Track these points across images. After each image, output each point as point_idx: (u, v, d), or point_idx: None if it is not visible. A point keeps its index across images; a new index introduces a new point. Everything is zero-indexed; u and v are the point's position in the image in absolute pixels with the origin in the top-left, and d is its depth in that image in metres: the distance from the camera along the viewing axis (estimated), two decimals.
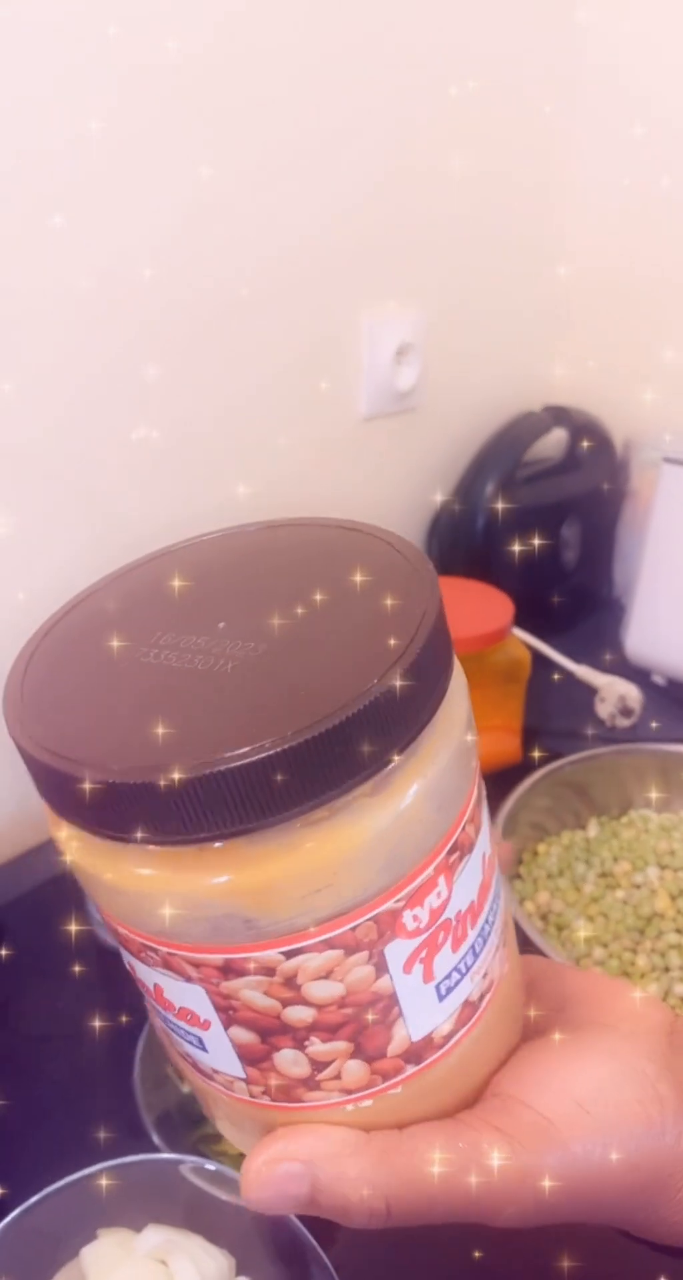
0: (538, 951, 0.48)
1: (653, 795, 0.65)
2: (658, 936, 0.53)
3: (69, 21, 0.54)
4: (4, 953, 0.58)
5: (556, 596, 0.87)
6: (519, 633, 0.78)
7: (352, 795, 0.21)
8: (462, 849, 0.24)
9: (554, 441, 0.92)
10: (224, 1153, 0.45)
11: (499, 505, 0.85)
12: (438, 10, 0.75)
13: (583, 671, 0.82)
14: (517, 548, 0.86)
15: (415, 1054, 0.24)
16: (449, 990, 0.24)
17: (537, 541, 0.86)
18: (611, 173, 0.91)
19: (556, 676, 0.83)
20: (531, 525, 0.86)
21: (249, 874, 0.21)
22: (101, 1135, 0.47)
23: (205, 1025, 0.24)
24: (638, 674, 0.82)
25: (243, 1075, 0.25)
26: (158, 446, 0.67)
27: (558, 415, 0.88)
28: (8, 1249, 0.40)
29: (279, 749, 0.20)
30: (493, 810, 0.58)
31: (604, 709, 0.80)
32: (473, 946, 0.25)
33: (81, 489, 0.64)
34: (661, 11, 0.85)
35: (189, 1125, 0.46)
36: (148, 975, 0.25)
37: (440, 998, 0.24)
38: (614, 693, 0.79)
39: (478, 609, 0.71)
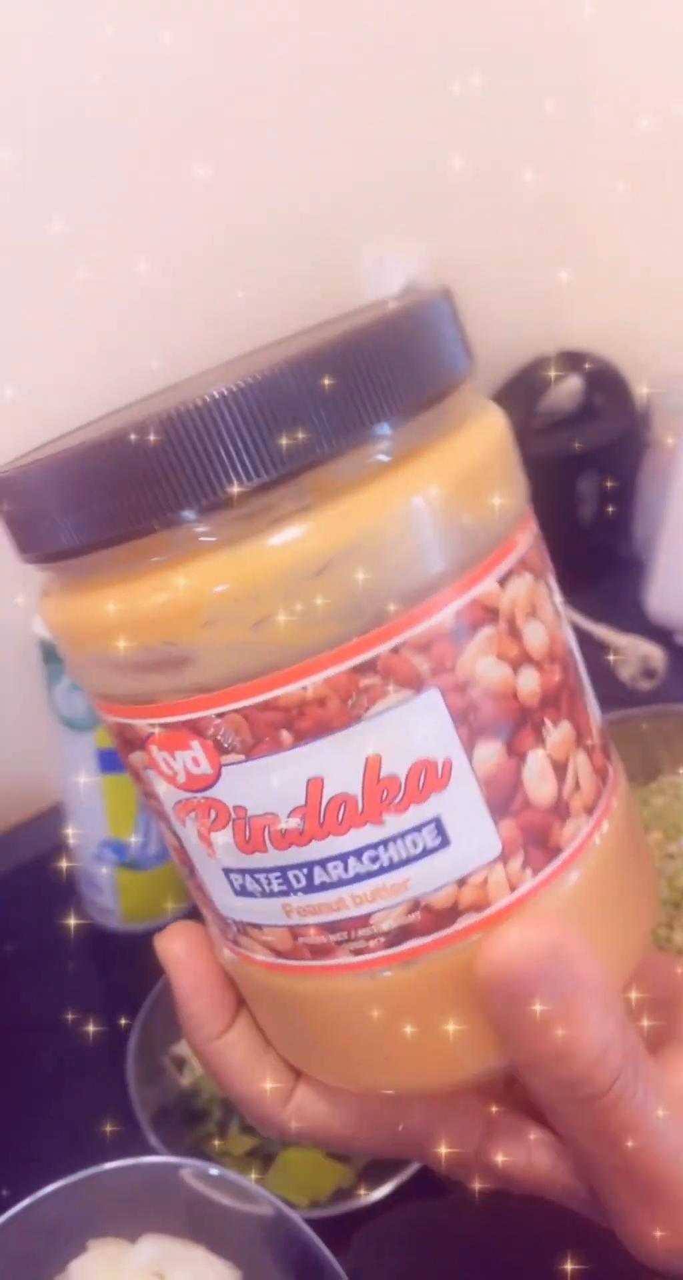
0: None
1: (680, 758, 0.61)
2: None
3: None
4: None
5: (572, 553, 0.82)
6: None
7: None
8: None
9: (569, 390, 0.87)
10: (227, 1153, 0.41)
11: None
12: None
13: (602, 632, 0.78)
14: (533, 502, 0.81)
15: (606, 748, 0.23)
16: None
17: (550, 493, 0.82)
18: (635, 92, 0.86)
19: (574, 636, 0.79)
20: (544, 479, 0.81)
21: (459, 460, 0.20)
22: (92, 1135, 0.43)
23: (444, 777, 0.19)
24: (660, 634, 0.78)
25: (497, 849, 0.19)
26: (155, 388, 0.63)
27: (573, 361, 0.83)
28: None
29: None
30: None
31: (626, 671, 0.76)
32: None
33: None
34: None
35: (189, 1122, 0.42)
36: (350, 766, 0.18)
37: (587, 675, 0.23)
38: (636, 654, 0.76)
39: None
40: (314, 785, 0.18)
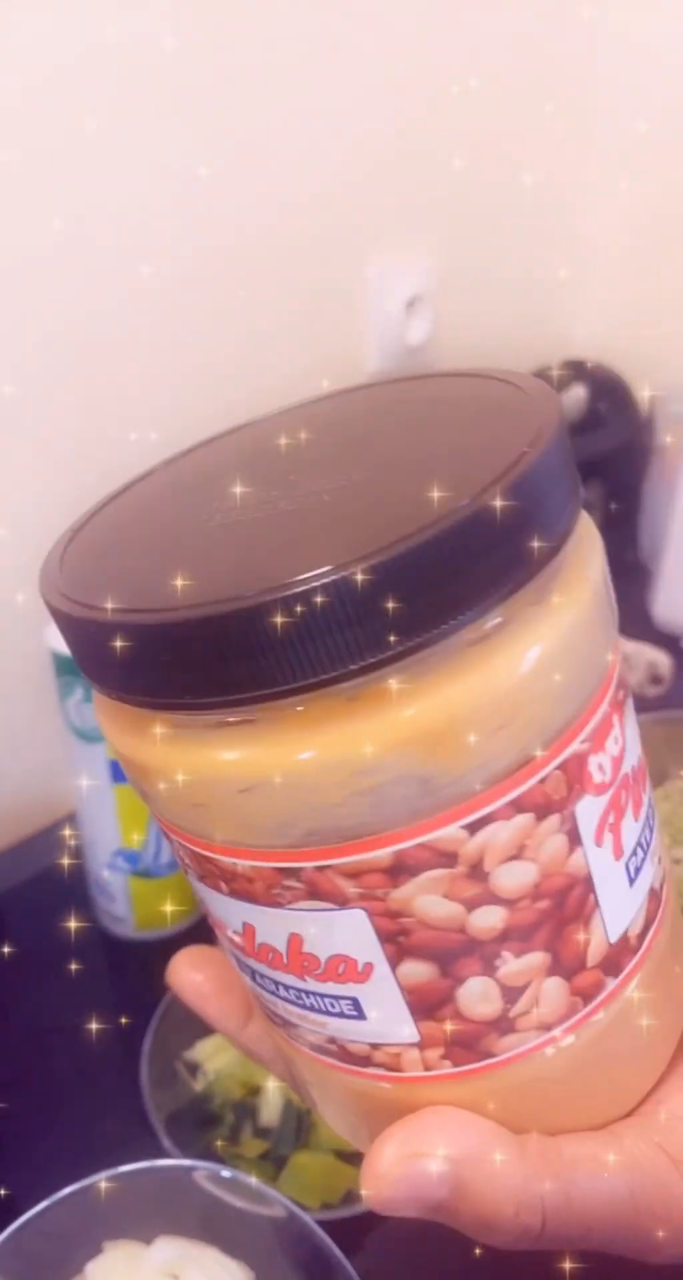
0: None
1: None
2: None
3: None
4: (4, 948, 0.55)
5: None
6: None
7: (520, 599, 0.17)
8: (624, 685, 0.20)
9: (573, 399, 0.88)
10: (241, 1156, 0.42)
11: None
12: None
13: None
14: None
15: (613, 961, 0.20)
16: (637, 871, 0.20)
17: None
18: (639, 104, 0.86)
19: None
20: None
21: (424, 707, 0.16)
22: (107, 1139, 0.43)
23: (364, 974, 0.19)
24: (667, 640, 0.78)
25: (415, 1038, 0.19)
26: (154, 405, 0.64)
27: (577, 370, 0.83)
28: (6, 1266, 0.37)
29: (446, 529, 0.16)
30: None
31: (633, 677, 0.76)
32: (648, 817, 0.21)
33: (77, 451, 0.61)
34: None
35: (202, 1126, 0.43)
36: (275, 931, 0.19)
37: (630, 880, 0.20)
38: (643, 660, 0.76)
39: None
40: (248, 928, 0.20)
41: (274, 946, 0.20)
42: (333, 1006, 0.20)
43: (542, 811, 0.18)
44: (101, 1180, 0.38)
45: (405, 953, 0.19)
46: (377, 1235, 0.41)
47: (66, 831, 0.58)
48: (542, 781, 0.18)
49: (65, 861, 0.59)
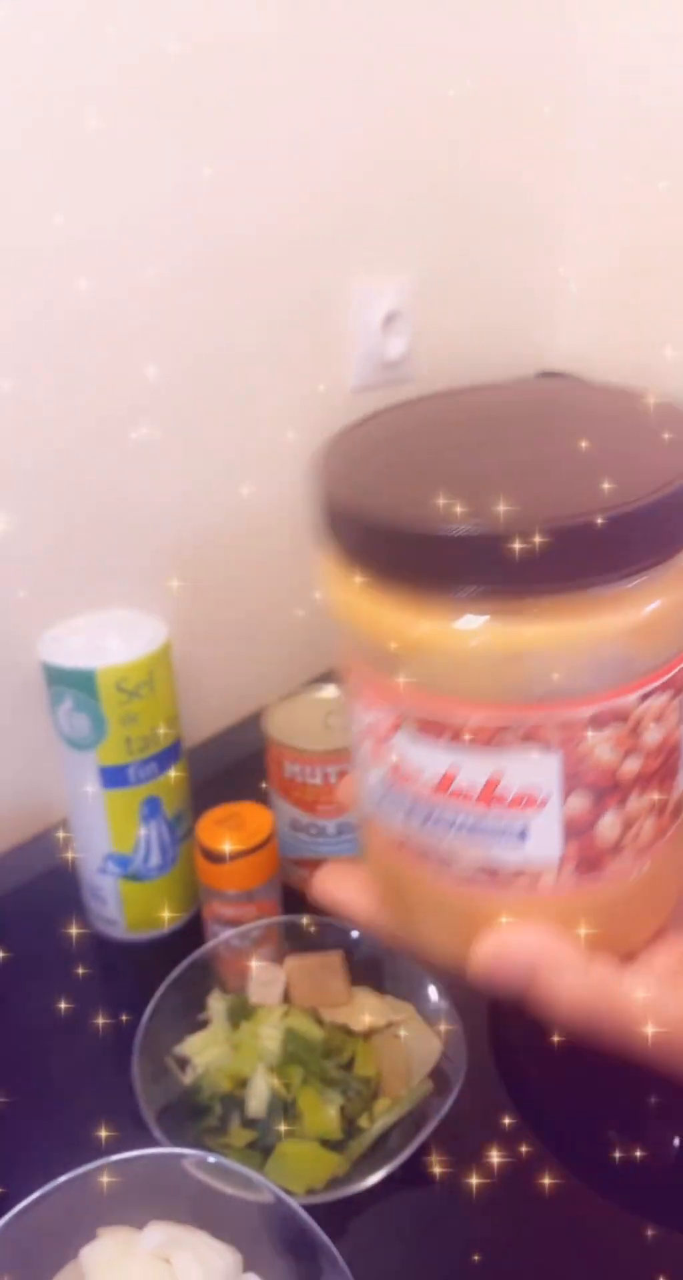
0: None
1: None
2: None
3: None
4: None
5: None
6: None
7: None
8: None
9: None
10: (229, 1146, 0.44)
11: None
12: None
13: None
14: None
15: (678, 806, 0.27)
16: None
17: None
18: (614, 125, 0.89)
19: None
20: None
21: (653, 607, 0.23)
22: (101, 1131, 0.45)
23: (542, 804, 0.25)
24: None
25: (558, 854, 0.25)
26: (148, 422, 0.65)
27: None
28: (5, 1250, 0.38)
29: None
30: None
31: None
32: None
33: (78, 471, 0.62)
34: None
35: (191, 1118, 0.45)
36: (478, 772, 0.25)
37: None
38: None
39: None
40: (449, 774, 0.25)
41: (470, 786, 0.25)
42: (503, 835, 0.25)
43: (677, 690, 0.25)
44: (96, 1169, 0.39)
45: (577, 786, 0.24)
46: (360, 1219, 0.43)
47: (59, 836, 0.60)
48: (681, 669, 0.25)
49: (59, 866, 0.60)
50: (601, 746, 0.24)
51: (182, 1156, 0.40)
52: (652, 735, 0.25)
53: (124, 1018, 0.49)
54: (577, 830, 0.25)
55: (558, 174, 0.92)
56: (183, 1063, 0.47)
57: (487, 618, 0.23)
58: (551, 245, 0.94)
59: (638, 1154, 0.45)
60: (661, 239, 0.88)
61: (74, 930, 0.58)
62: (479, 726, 0.24)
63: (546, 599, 0.23)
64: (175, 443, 0.68)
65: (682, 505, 0.23)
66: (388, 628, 0.25)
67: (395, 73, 0.74)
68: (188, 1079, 0.46)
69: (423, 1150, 0.44)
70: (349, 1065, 0.46)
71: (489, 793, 0.25)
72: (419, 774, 0.26)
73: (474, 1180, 0.44)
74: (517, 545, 0.22)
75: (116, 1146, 0.40)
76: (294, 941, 0.51)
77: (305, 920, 0.51)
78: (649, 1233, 0.42)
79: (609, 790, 0.25)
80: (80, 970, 0.55)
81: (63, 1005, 0.52)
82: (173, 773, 0.55)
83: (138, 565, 0.68)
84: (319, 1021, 0.47)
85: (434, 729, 0.25)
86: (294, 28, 0.66)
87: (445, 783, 0.25)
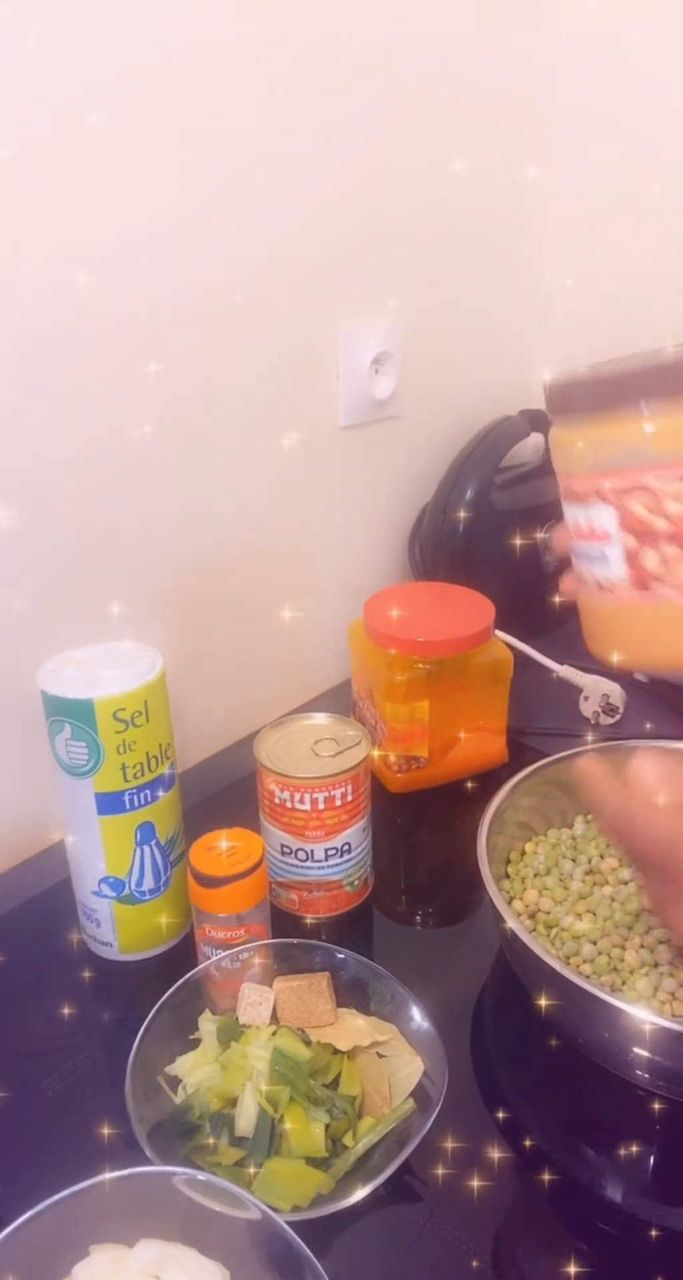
0: (530, 953, 0.48)
1: None
2: (647, 932, 0.53)
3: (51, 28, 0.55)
4: None
5: (538, 599, 0.87)
6: (502, 635, 0.79)
7: None
8: None
9: (533, 446, 0.93)
10: (218, 1164, 0.45)
11: (479, 510, 0.85)
12: (420, 34, 0.76)
13: (566, 671, 0.83)
14: (498, 551, 0.86)
15: None
16: None
17: (517, 545, 0.87)
18: (588, 179, 0.92)
19: (540, 677, 0.83)
20: (511, 529, 0.87)
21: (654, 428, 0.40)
22: (94, 1149, 0.46)
23: (608, 538, 0.41)
24: (620, 673, 0.82)
25: (624, 573, 0.41)
26: (144, 457, 0.67)
27: (534, 420, 0.88)
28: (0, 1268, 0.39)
29: None
30: (479, 810, 0.58)
31: (588, 707, 0.80)
32: None
33: (72, 498, 0.64)
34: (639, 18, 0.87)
35: (182, 1136, 0.46)
36: (583, 518, 0.43)
37: None
38: (598, 691, 0.80)
39: (460, 612, 0.72)
40: (575, 521, 0.44)
41: (580, 527, 0.43)
42: (597, 559, 0.42)
43: None
44: (88, 1187, 0.40)
45: (626, 532, 0.41)
46: (345, 1235, 0.44)
47: (56, 860, 0.61)
48: None
49: (55, 889, 0.62)
50: (636, 506, 0.40)
51: (172, 1175, 0.42)
52: (672, 507, 0.39)
53: (117, 1038, 0.50)
54: (631, 560, 0.41)
55: (540, 219, 0.95)
56: (174, 1082, 0.48)
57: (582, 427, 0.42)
58: (534, 286, 0.97)
59: (620, 1170, 0.47)
60: (639, 286, 0.91)
61: (69, 951, 0.59)
62: (578, 491, 0.43)
63: (589, 415, 0.41)
64: (171, 477, 0.70)
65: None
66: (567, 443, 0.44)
67: (384, 124, 0.77)
68: (178, 1098, 0.47)
69: (406, 1168, 0.45)
70: (334, 1085, 0.47)
71: (589, 531, 0.42)
72: (574, 526, 0.44)
73: (456, 1196, 0.46)
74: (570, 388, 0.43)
75: (109, 1164, 0.41)
76: (283, 963, 0.53)
77: (294, 943, 0.53)
78: (633, 1244, 0.44)
79: (648, 535, 0.40)
80: (75, 991, 0.56)
81: (57, 1024, 0.53)
82: (167, 798, 0.56)
83: (135, 596, 0.70)
84: (306, 1042, 0.48)
85: (570, 496, 0.44)
86: (288, 80, 0.69)
87: (577, 530, 0.44)
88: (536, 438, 0.90)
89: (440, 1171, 0.46)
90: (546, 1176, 0.47)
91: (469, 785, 0.73)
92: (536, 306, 0.98)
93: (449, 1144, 0.47)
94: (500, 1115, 0.50)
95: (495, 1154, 0.47)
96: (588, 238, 0.94)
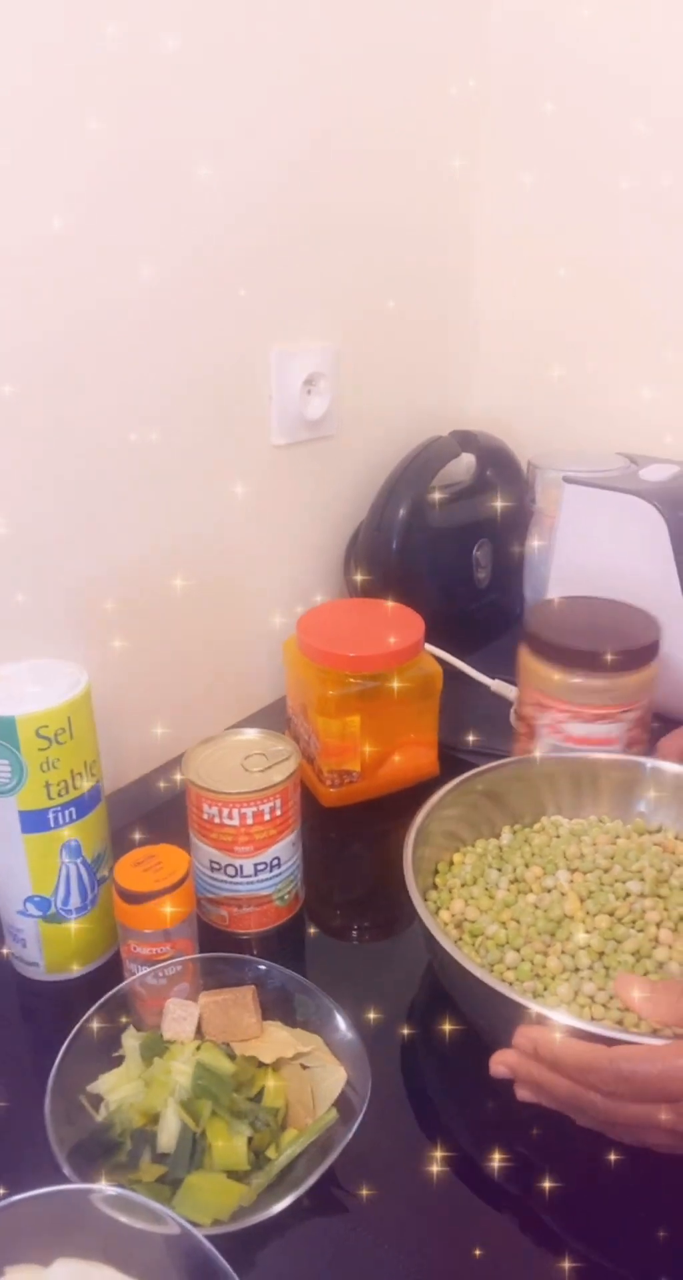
0: (453, 961, 0.49)
1: (564, 801, 0.66)
2: (568, 938, 0.54)
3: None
4: None
5: (470, 614, 0.89)
6: (434, 650, 0.80)
7: None
8: None
9: (465, 465, 0.95)
10: (139, 1181, 0.45)
11: (413, 528, 0.86)
12: (347, 62, 0.78)
13: (498, 685, 0.84)
14: (432, 568, 0.88)
15: None
16: None
17: (450, 561, 0.89)
18: (513, 207, 0.95)
19: (474, 691, 0.85)
20: (444, 546, 0.89)
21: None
22: (13, 1172, 0.46)
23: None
24: None
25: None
26: (74, 483, 0.68)
27: (465, 440, 0.90)
28: None
29: None
30: (406, 821, 0.59)
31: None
32: None
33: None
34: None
35: (103, 1155, 0.45)
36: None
37: None
38: None
39: (390, 628, 0.73)
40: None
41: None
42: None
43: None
44: (4, 1207, 0.40)
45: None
46: (266, 1248, 0.44)
47: None
48: None
49: None
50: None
51: (89, 1192, 0.41)
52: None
53: (42, 1059, 0.49)
54: None
55: (472, 242, 0.98)
56: (96, 1101, 0.48)
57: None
58: (465, 308, 1.00)
59: (548, 1179, 0.47)
60: (564, 309, 0.94)
61: None
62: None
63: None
64: (103, 495, 0.70)
65: None
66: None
67: (317, 142, 0.79)
68: (100, 1116, 0.47)
69: (331, 1179, 0.45)
70: (259, 1098, 0.47)
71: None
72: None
73: (381, 1207, 0.46)
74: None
75: (29, 1185, 0.41)
76: (209, 978, 0.53)
77: (220, 957, 0.53)
78: (559, 1250, 0.44)
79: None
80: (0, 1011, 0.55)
81: None
82: (93, 815, 0.56)
83: (64, 613, 0.70)
84: (231, 1056, 0.48)
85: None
86: (223, 100, 0.70)
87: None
88: (468, 457, 0.92)
89: (365, 1182, 0.47)
90: (471, 1185, 0.47)
91: (402, 798, 0.74)
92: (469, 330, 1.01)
93: (375, 1154, 0.48)
94: (428, 1124, 0.50)
95: (422, 1163, 0.48)
96: (518, 256, 0.97)
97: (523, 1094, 0.45)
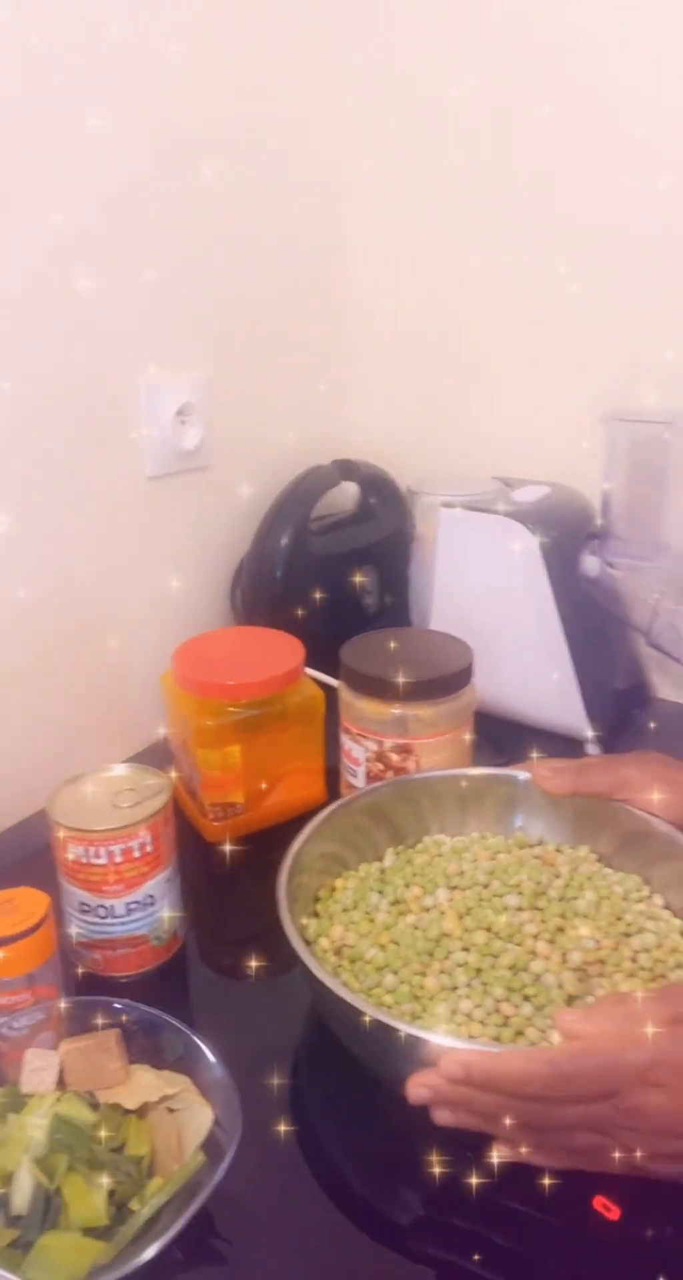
0: (325, 988, 0.48)
1: (448, 819, 0.66)
2: (446, 956, 0.54)
3: None
4: None
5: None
6: (318, 675, 0.80)
7: None
8: None
9: (349, 493, 0.96)
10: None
11: (296, 556, 0.86)
12: (209, 72, 0.78)
13: None
14: (317, 594, 0.87)
15: None
16: None
17: (336, 588, 0.89)
18: (386, 231, 0.97)
19: None
20: (329, 572, 0.89)
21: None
22: None
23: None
24: None
25: None
26: None
27: (346, 469, 0.91)
28: None
29: None
30: (283, 850, 0.57)
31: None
32: None
33: None
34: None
35: None
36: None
37: None
38: None
39: (270, 655, 0.72)
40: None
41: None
42: None
43: None
44: None
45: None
46: None
47: None
48: None
49: None
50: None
51: None
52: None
53: None
54: None
55: (347, 267, 0.99)
56: None
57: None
58: (342, 335, 1.01)
59: (434, 1211, 0.46)
60: (439, 335, 0.96)
61: None
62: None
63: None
64: None
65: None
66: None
67: (184, 169, 0.79)
68: None
69: (204, 1225, 0.43)
70: (122, 1147, 0.45)
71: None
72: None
73: (259, 1249, 0.44)
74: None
75: None
76: (74, 1024, 0.50)
77: (81, 1001, 0.51)
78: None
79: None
80: None
81: None
82: None
83: None
84: (94, 1105, 0.46)
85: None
86: (72, 119, 0.70)
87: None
88: (351, 485, 0.93)
89: (243, 1227, 0.45)
90: (356, 1222, 0.46)
91: (291, 828, 0.73)
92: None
93: (254, 1196, 0.46)
94: (312, 1160, 0.48)
95: (304, 1203, 0.46)
96: (392, 282, 0.98)
97: (444, 1117, 0.44)
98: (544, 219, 0.87)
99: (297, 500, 0.87)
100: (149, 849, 0.57)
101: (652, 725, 0.87)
